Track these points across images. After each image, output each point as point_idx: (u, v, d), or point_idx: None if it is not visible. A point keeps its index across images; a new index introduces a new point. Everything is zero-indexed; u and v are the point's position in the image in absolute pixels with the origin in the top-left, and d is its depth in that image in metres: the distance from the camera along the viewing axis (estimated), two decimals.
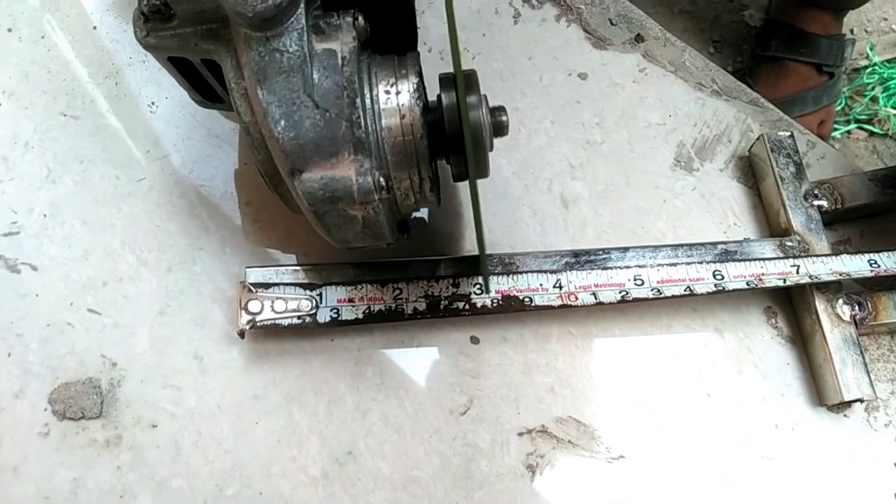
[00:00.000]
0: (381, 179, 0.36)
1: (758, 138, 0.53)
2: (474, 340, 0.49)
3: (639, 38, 0.58)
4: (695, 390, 0.49)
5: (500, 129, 0.40)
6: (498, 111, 0.40)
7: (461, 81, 0.34)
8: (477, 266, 0.47)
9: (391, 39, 0.40)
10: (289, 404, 0.47)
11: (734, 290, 0.47)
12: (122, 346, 0.47)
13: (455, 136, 0.37)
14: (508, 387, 0.48)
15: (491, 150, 0.39)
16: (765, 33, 1.35)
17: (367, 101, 0.36)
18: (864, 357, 0.46)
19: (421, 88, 0.38)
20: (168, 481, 0.45)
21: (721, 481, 0.47)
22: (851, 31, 1.36)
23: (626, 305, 0.49)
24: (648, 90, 0.57)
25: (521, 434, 0.47)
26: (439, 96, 0.38)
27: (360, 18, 0.37)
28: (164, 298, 0.49)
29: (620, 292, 0.47)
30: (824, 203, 0.50)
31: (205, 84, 0.43)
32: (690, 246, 0.49)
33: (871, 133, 1.28)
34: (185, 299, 0.49)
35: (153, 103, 0.54)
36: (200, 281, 0.49)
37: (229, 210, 0.51)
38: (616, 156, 0.54)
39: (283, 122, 0.34)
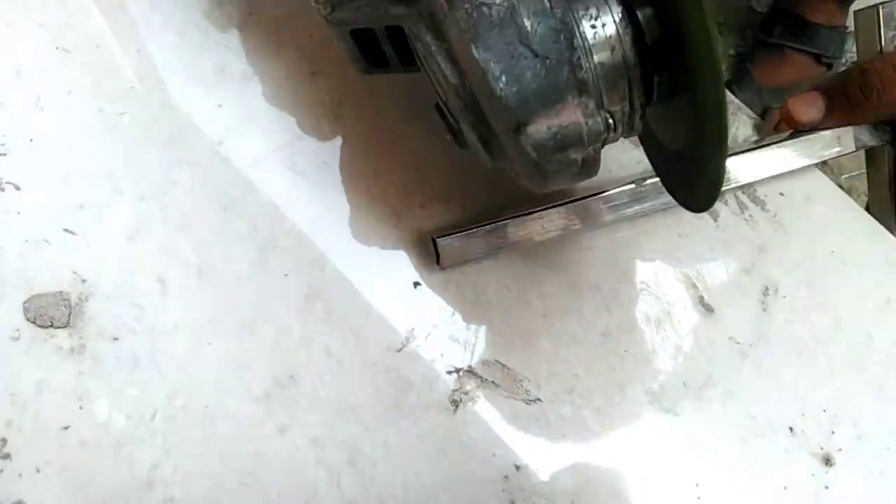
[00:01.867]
0: (608, 116, 0.35)
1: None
2: (416, 285, 0.50)
3: None
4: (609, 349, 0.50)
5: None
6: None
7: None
8: None
9: None
10: (240, 330, 0.49)
11: None
12: (93, 264, 0.49)
13: (665, 53, 0.35)
14: (443, 328, 0.50)
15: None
16: (769, 20, 1.32)
17: (580, 38, 0.34)
18: None
19: (625, 15, 0.35)
20: (124, 390, 0.47)
21: (627, 429, 0.48)
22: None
23: (568, 262, 0.50)
24: None
25: (449, 372, 0.49)
26: (633, 18, 0.35)
27: None
28: (136, 224, 0.50)
29: None
30: None
31: (376, 52, 0.41)
32: None
33: None
34: (153, 227, 0.50)
35: (139, 50, 0.55)
36: (168, 210, 0.51)
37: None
38: None
39: (503, 78, 0.32)
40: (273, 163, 0.52)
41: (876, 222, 0.55)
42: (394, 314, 0.50)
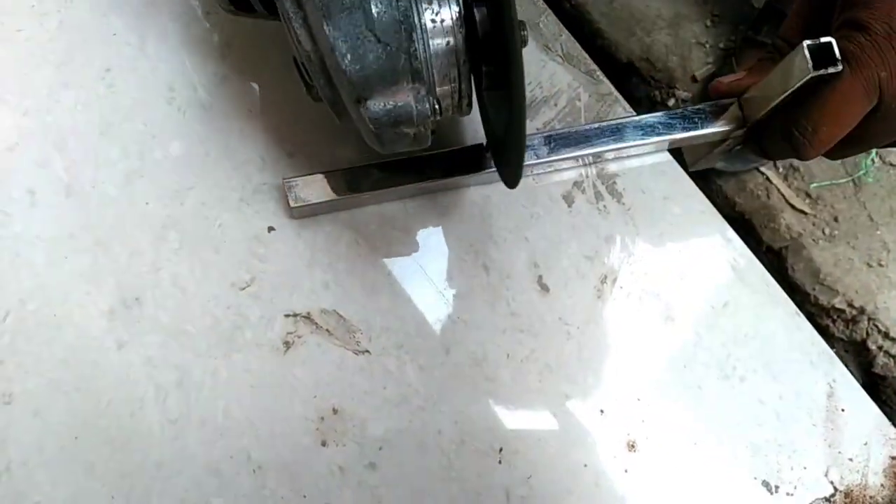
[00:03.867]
0: (435, 103, 0.38)
1: None
2: (270, 229, 0.51)
3: None
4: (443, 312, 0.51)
5: (524, 42, 0.40)
6: (522, 25, 0.39)
7: (513, 6, 0.34)
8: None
9: None
10: (97, 248, 0.50)
11: None
12: None
13: (492, 49, 0.38)
14: (289, 274, 0.50)
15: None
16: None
17: (419, 30, 0.37)
18: None
19: (461, 12, 0.38)
20: None
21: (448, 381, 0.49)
22: None
23: (420, 228, 0.51)
24: None
25: (287, 315, 0.50)
26: (469, 12, 0.38)
27: None
28: (16, 136, 0.51)
29: None
30: None
31: (247, 4, 0.42)
32: None
33: None
34: (32, 141, 0.51)
35: None
36: (49, 127, 0.51)
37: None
38: None
39: (349, 56, 0.35)
40: (153, 95, 0.52)
41: (730, 228, 0.54)
42: (244, 254, 0.50)
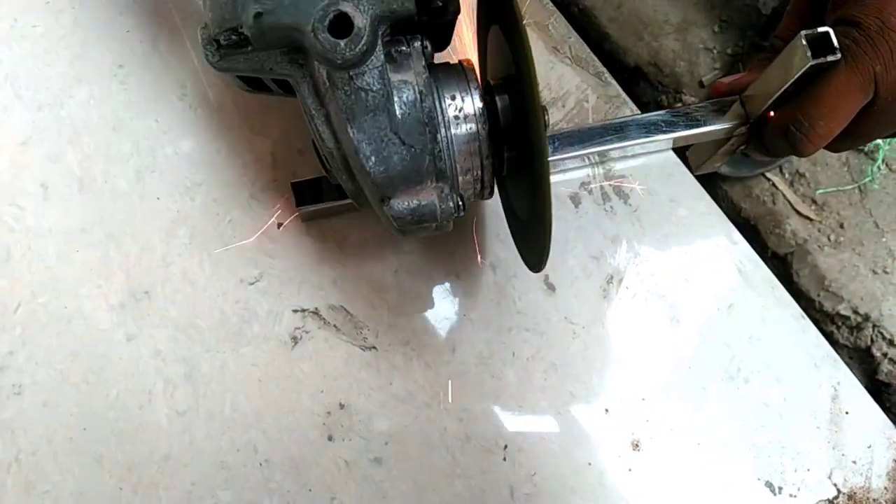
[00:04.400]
0: (459, 200, 0.37)
1: None
2: (279, 226, 0.51)
3: None
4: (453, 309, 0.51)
5: (547, 126, 0.39)
6: (544, 111, 0.39)
7: (536, 92, 0.34)
8: None
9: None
10: (108, 242, 0.50)
11: None
12: None
13: (514, 136, 0.38)
14: (298, 270, 0.51)
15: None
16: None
17: (443, 129, 0.36)
18: None
19: (484, 104, 0.37)
20: None
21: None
22: None
23: None
24: None
25: (295, 311, 0.50)
26: (492, 100, 0.38)
27: (427, 43, 0.36)
28: (30, 131, 0.52)
29: None
30: None
31: (263, 84, 0.41)
32: None
33: None
34: (46, 136, 0.52)
35: None
36: (63, 122, 0.52)
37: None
38: None
39: (373, 158, 0.34)
40: (165, 92, 0.53)
41: (735, 230, 0.54)
42: (253, 249, 0.51)
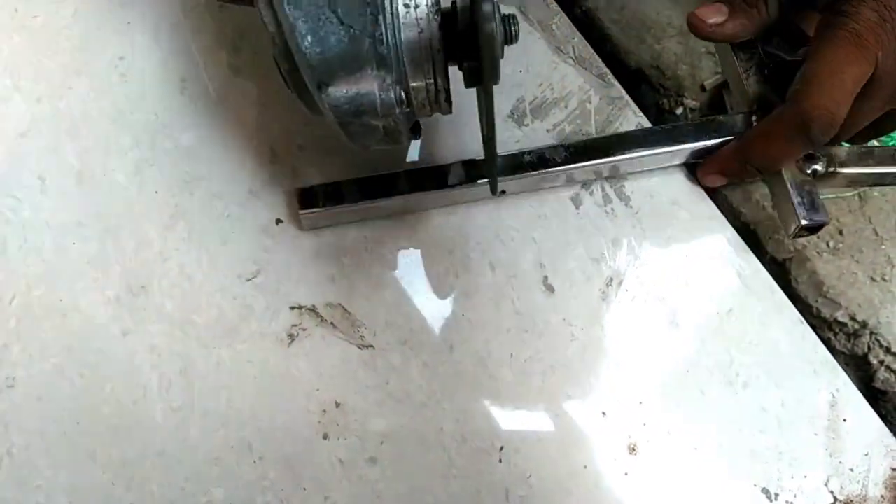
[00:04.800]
0: (402, 93, 0.35)
1: None
2: (278, 222, 0.51)
3: None
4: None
5: (511, 38, 0.38)
6: (510, 19, 0.38)
7: None
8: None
9: None
10: (105, 236, 0.50)
11: None
12: None
13: (471, 43, 0.35)
14: (295, 267, 0.50)
15: (502, 56, 0.37)
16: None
17: (388, 15, 0.34)
18: None
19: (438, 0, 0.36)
20: None
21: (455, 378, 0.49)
22: None
23: (428, 224, 0.51)
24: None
25: (292, 308, 0.50)
26: (454, 3, 0.37)
27: None
28: (28, 122, 0.51)
29: None
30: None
31: None
32: None
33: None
34: (44, 128, 0.51)
35: None
36: (61, 114, 0.51)
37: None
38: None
39: (309, 38, 0.33)
40: (165, 85, 0.52)
41: (737, 234, 0.54)
42: (251, 245, 0.50)
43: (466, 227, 0.51)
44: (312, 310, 0.49)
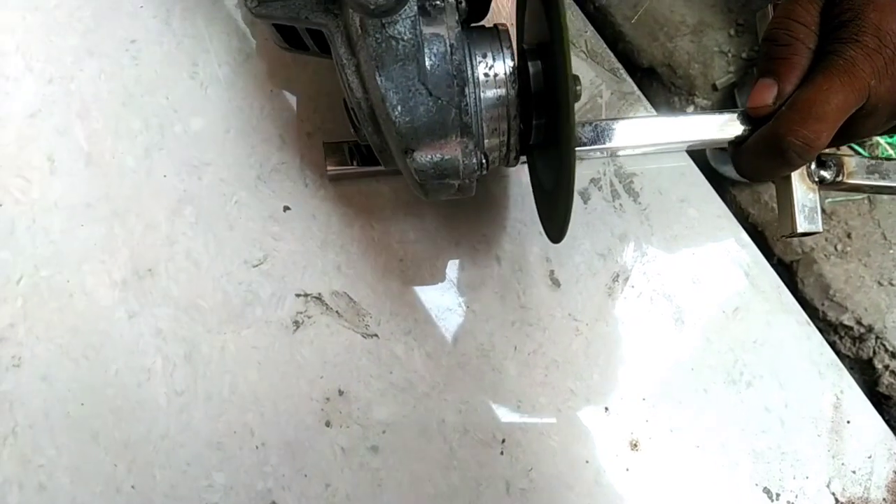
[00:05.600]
0: (483, 158, 0.37)
1: None
2: (286, 209, 0.51)
3: None
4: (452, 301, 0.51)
5: (577, 97, 0.39)
6: (576, 80, 0.39)
7: (568, 58, 0.34)
8: None
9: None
10: (113, 218, 0.50)
11: None
12: None
13: (546, 103, 0.38)
14: (302, 255, 0.50)
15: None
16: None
17: (471, 84, 0.36)
18: None
19: (515, 66, 0.37)
20: None
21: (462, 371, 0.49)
22: None
23: (435, 216, 0.51)
24: None
25: (298, 295, 0.50)
26: (524, 65, 0.38)
27: (462, 0, 0.36)
28: (39, 103, 0.51)
29: None
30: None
31: (298, 39, 0.42)
32: None
33: (857, 153, 1.23)
34: (55, 109, 0.51)
35: None
36: (72, 96, 0.51)
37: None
38: None
39: (399, 108, 0.34)
40: (176, 69, 0.52)
41: (745, 234, 0.54)
42: (258, 232, 0.50)
43: (473, 218, 0.51)
44: (318, 298, 0.49)
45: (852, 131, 0.41)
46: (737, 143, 0.44)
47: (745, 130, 0.44)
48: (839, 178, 0.46)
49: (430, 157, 0.36)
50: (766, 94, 0.42)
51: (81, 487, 0.45)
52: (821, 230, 0.45)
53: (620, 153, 0.52)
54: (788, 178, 0.45)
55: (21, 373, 0.46)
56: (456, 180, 0.38)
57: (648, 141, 0.46)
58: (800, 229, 0.44)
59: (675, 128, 0.46)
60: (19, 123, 0.50)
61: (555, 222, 0.42)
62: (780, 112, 0.41)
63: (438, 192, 0.39)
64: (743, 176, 0.46)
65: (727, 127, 0.44)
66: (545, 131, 0.40)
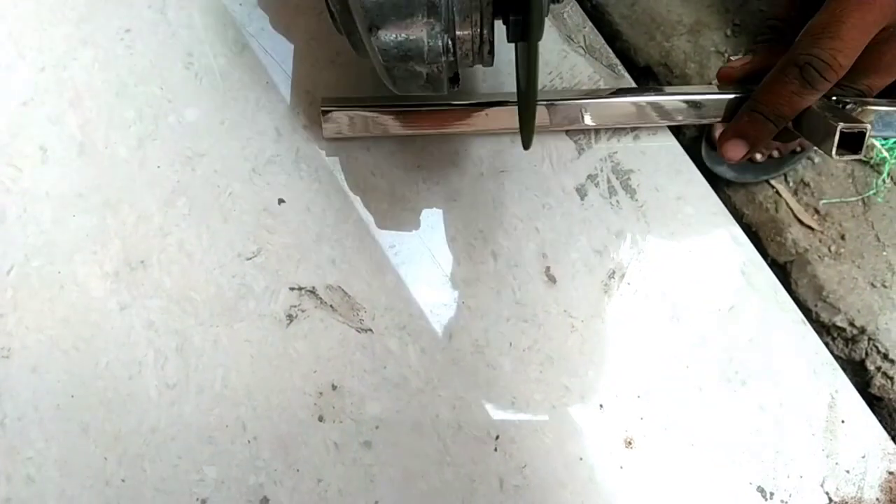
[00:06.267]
0: (449, 42, 0.36)
1: None
2: (280, 202, 0.51)
3: None
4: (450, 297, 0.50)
5: None
6: None
7: None
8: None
9: None
10: (105, 209, 0.49)
11: None
12: None
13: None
14: (297, 248, 0.50)
15: (547, 14, 0.38)
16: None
17: None
18: None
19: None
20: None
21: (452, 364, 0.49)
22: None
23: (431, 210, 0.50)
24: None
25: (292, 289, 0.49)
26: None
27: None
28: (31, 92, 0.50)
29: None
30: None
31: None
32: None
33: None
34: (47, 98, 0.50)
35: None
36: (65, 85, 0.51)
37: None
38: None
39: None
40: (171, 59, 0.52)
41: (742, 234, 0.54)
42: (252, 224, 0.50)
43: (469, 214, 0.51)
44: (312, 291, 0.49)
45: (877, 58, 0.40)
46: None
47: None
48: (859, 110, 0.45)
49: (394, 35, 0.35)
50: (737, 152, 0.44)
51: (70, 480, 0.44)
52: (867, 129, 0.41)
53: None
54: (809, 110, 0.43)
55: (10, 364, 0.45)
56: (422, 66, 0.37)
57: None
58: (843, 128, 0.41)
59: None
60: (11, 111, 0.50)
61: (523, 127, 0.41)
62: (797, 40, 0.40)
63: (407, 82, 0.38)
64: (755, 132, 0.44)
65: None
66: (521, 28, 0.37)
